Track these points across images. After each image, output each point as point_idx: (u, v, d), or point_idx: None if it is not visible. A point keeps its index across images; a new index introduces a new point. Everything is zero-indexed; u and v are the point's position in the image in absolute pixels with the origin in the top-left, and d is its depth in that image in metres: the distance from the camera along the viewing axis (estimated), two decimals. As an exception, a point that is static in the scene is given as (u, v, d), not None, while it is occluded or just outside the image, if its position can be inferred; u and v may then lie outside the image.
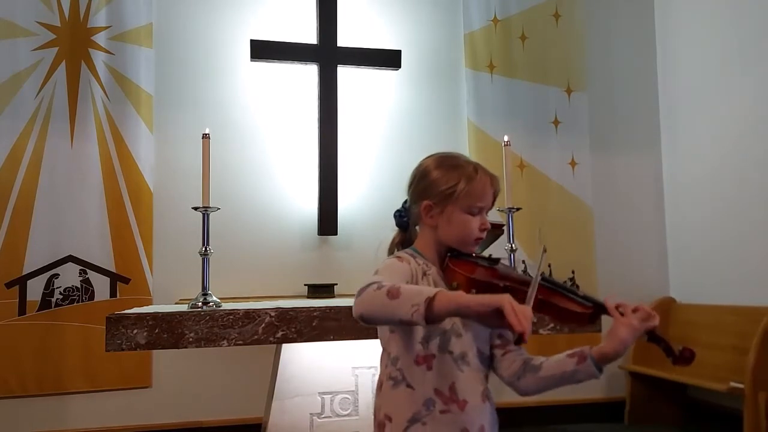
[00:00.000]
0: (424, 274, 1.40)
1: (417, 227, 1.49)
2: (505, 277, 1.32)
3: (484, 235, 1.42)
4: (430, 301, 1.13)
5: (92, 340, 3.49)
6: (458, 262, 1.39)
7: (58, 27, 3.70)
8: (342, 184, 3.92)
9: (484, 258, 1.42)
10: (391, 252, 1.52)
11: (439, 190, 1.40)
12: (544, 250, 1.45)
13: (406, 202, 1.51)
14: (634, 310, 1.27)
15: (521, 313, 1.09)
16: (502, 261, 1.43)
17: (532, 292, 1.24)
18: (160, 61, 3.86)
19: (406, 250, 1.47)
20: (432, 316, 1.13)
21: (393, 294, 1.17)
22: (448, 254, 1.42)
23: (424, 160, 1.49)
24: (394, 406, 1.36)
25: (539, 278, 1.30)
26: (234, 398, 3.69)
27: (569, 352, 1.35)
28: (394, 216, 1.53)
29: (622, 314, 1.28)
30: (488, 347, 1.43)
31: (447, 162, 1.44)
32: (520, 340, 1.10)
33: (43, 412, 3.51)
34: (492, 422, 1.39)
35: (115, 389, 3.60)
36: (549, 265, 4.06)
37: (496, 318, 1.10)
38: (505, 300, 1.10)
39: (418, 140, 4.04)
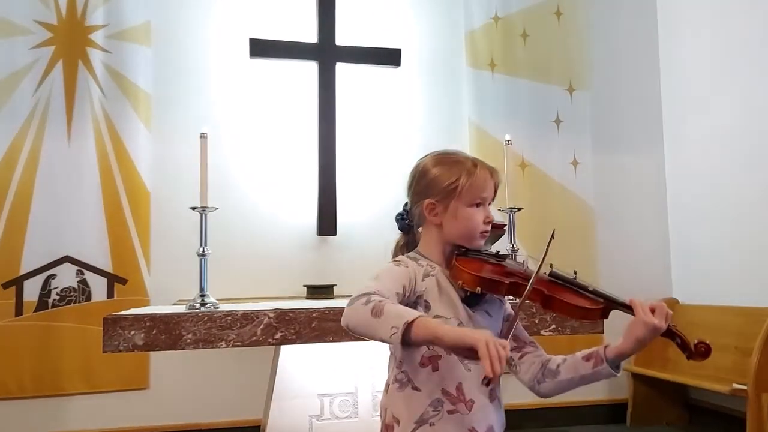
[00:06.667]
0: (428, 275, 1.38)
1: (420, 229, 1.48)
2: (511, 274, 1.34)
3: (489, 228, 1.42)
4: (408, 325, 1.14)
5: (89, 342, 3.45)
6: (465, 260, 1.38)
7: (55, 25, 3.67)
8: (341, 183, 3.88)
9: (491, 254, 1.43)
10: (395, 256, 1.51)
11: (441, 188, 1.40)
12: (552, 237, 1.43)
13: (406, 204, 1.50)
14: (651, 309, 1.29)
15: (495, 357, 1.07)
16: (509, 257, 1.45)
17: (530, 286, 1.29)
18: (157, 59, 3.83)
19: (409, 254, 1.46)
20: (409, 341, 1.14)
21: (377, 312, 1.18)
22: (456, 253, 1.41)
23: (421, 159, 1.49)
24: (401, 408, 1.36)
25: (536, 273, 1.32)
26: (232, 400, 3.66)
27: (584, 353, 1.37)
28: (396, 219, 1.53)
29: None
30: None
31: (445, 159, 1.45)
32: (486, 381, 1.09)
33: (41, 414, 3.48)
34: (500, 422, 1.40)
35: (113, 391, 3.57)
36: (551, 266, 4.03)
37: (470, 353, 1.11)
38: (482, 341, 1.09)
39: (418, 139, 4.00)
